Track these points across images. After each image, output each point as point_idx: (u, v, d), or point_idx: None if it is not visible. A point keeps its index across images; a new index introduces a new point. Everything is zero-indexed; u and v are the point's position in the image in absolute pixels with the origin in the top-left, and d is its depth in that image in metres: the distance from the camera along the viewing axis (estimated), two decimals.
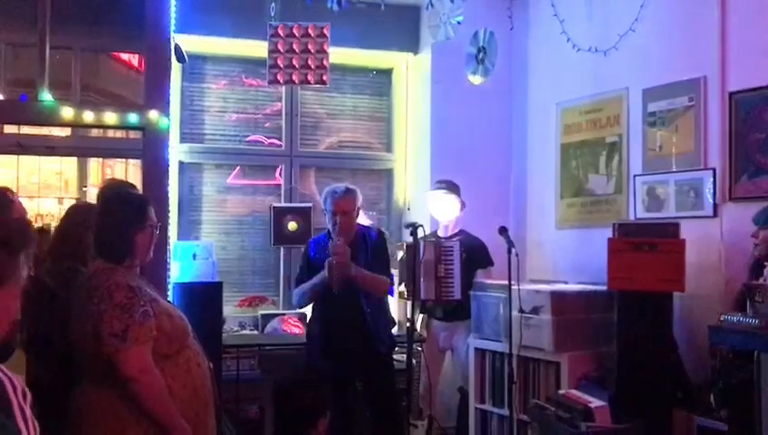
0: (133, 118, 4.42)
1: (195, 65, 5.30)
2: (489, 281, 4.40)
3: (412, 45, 5.66)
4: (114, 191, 2.62)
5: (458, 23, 4.56)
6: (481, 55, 4.76)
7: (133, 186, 2.81)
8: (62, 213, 3.28)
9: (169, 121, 4.49)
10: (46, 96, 4.36)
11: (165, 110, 4.45)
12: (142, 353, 2.36)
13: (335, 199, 3.94)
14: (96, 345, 2.36)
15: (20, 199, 1.28)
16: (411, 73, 5.75)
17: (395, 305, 4.81)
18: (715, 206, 4.03)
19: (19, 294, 1.24)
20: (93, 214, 2.59)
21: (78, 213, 3.00)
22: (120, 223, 2.49)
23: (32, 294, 2.82)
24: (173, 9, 4.54)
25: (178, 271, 4.62)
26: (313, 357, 4.05)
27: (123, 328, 2.33)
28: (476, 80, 4.80)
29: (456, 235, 4.71)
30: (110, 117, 4.42)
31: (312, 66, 4.73)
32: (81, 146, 5.27)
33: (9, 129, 4.87)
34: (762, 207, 3.57)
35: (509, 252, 3.69)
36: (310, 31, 4.71)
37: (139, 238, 2.51)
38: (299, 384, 2.92)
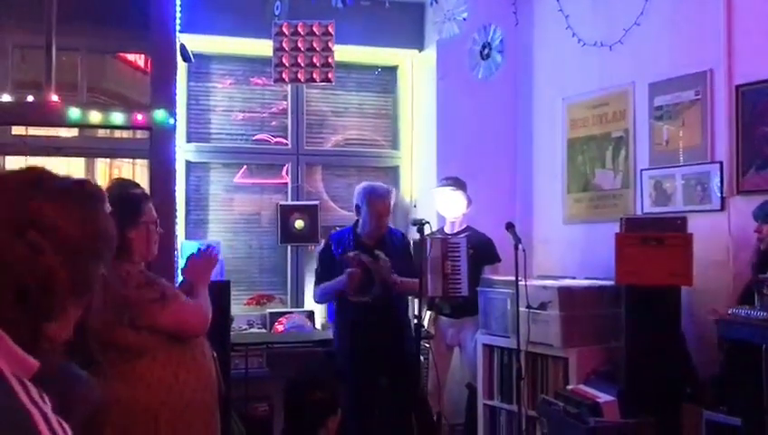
0: (140, 118, 4.43)
1: (200, 65, 5.31)
2: (496, 277, 4.41)
3: (417, 42, 5.65)
4: (113, 190, 2.67)
5: (463, 19, 4.55)
6: (486, 51, 4.75)
7: (137, 185, 2.84)
8: None
9: (176, 121, 4.50)
10: (53, 97, 4.38)
11: (171, 109, 4.46)
12: (186, 302, 2.55)
13: (377, 201, 4.07)
14: (114, 334, 2.40)
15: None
16: (416, 70, 5.75)
17: None
18: (723, 199, 4.02)
19: (87, 304, 1.12)
20: None
21: None
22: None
23: None
24: (178, 9, 4.54)
25: None
26: (340, 357, 4.13)
27: (160, 292, 2.48)
28: (482, 73, 4.79)
29: (462, 231, 4.71)
30: (117, 117, 4.44)
31: (318, 64, 4.73)
32: (88, 146, 5.28)
33: (16, 130, 4.89)
34: (760, 203, 3.56)
35: (516, 248, 3.69)
36: (314, 29, 4.71)
37: (133, 235, 2.55)
38: (310, 382, 2.92)
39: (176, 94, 4.56)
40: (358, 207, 4.16)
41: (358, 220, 4.19)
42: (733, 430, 3.43)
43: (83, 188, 1.11)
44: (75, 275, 1.02)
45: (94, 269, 1.09)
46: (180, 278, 3.20)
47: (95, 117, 4.43)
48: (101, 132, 5.17)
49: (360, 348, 4.01)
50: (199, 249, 2.87)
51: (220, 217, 5.42)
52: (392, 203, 4.21)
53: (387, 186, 4.29)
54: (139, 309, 2.42)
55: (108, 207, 1.14)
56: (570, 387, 3.66)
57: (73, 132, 5.09)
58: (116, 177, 5.59)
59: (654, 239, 3.72)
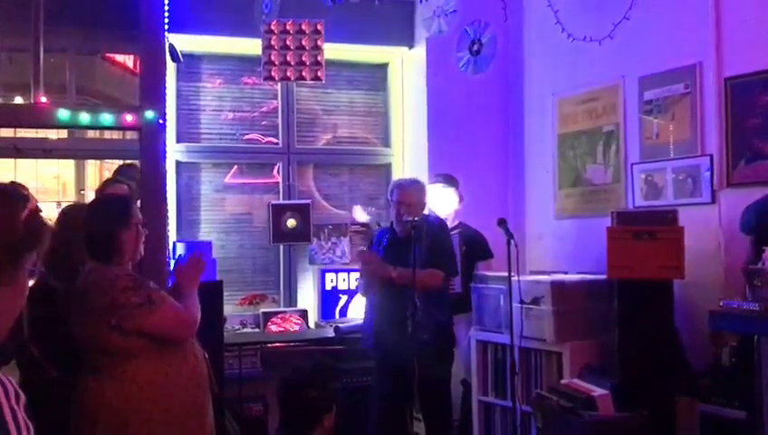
0: (129, 118, 4.41)
1: (190, 64, 5.29)
2: (489, 273, 4.41)
3: (407, 39, 5.64)
4: (101, 193, 2.69)
5: (452, 12, 4.53)
6: (476, 47, 4.75)
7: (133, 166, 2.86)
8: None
9: (165, 121, 4.48)
10: (42, 99, 4.35)
11: (161, 110, 4.44)
12: (173, 306, 2.52)
13: (401, 190, 4.09)
14: (102, 338, 2.39)
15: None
16: (407, 68, 5.74)
17: None
18: (714, 192, 4.03)
19: (20, 297, 1.21)
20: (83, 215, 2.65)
21: (70, 215, 3.03)
22: (105, 223, 2.55)
23: (32, 296, 2.87)
24: (167, 9, 4.52)
25: None
26: (366, 343, 4.14)
27: (146, 296, 2.46)
28: (467, 67, 4.78)
29: (455, 228, 4.71)
30: (107, 118, 4.41)
31: (307, 62, 4.72)
32: (78, 148, 5.26)
33: (5, 132, 4.87)
34: (743, 210, 3.57)
35: (508, 243, 3.69)
36: (304, 27, 4.70)
37: (125, 237, 2.55)
38: (305, 380, 2.92)
39: (165, 94, 4.53)
40: (389, 202, 4.24)
41: None
42: (729, 421, 3.44)
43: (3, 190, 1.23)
44: None
45: (7, 263, 1.17)
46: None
47: (84, 118, 4.40)
48: (91, 134, 5.15)
49: (380, 334, 3.99)
50: (186, 255, 2.87)
51: (211, 218, 5.40)
52: (422, 194, 4.16)
53: (417, 179, 4.31)
54: (126, 313, 2.41)
55: (31, 206, 1.21)
56: (564, 381, 3.66)
57: (63, 134, 5.07)
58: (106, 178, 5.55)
59: (645, 233, 3.73)
